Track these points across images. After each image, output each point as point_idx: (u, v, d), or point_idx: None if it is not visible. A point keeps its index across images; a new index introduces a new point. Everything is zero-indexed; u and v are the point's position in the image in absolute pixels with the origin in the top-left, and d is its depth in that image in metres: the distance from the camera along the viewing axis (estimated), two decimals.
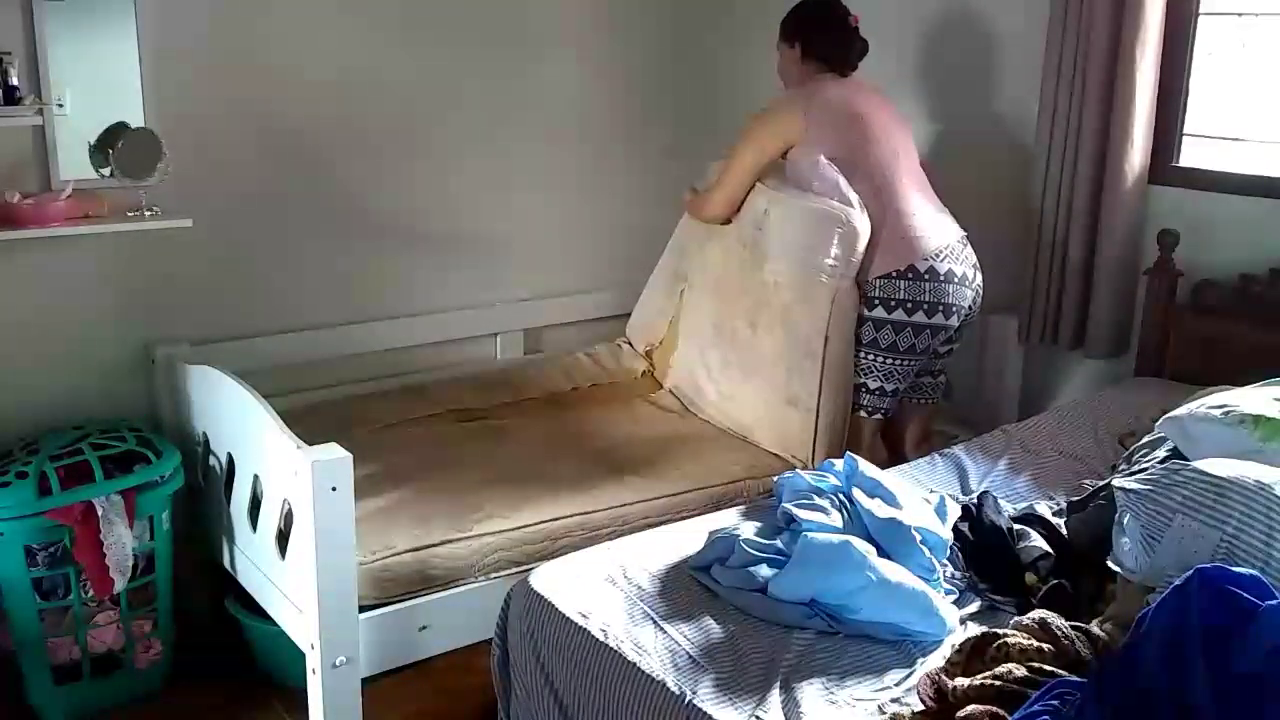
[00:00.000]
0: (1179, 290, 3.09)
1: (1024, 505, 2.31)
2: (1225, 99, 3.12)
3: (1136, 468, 2.17)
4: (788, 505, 2.19)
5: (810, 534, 2.05)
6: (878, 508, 2.14)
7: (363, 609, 2.24)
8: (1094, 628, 1.75)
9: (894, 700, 1.75)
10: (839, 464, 2.31)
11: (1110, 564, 1.87)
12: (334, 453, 2.15)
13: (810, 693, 1.76)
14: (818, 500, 2.19)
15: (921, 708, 1.68)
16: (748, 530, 2.15)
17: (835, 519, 2.14)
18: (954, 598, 2.04)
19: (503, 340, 3.54)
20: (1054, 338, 3.31)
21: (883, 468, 2.43)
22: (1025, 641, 1.69)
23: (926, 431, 3.13)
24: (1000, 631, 1.74)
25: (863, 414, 2.88)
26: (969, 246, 2.89)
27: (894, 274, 2.77)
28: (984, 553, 2.13)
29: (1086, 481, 2.40)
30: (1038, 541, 2.10)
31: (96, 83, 2.73)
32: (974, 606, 2.04)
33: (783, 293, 2.88)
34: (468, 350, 3.48)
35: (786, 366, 2.86)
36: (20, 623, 2.48)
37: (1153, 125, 3.08)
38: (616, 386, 3.35)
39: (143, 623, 2.63)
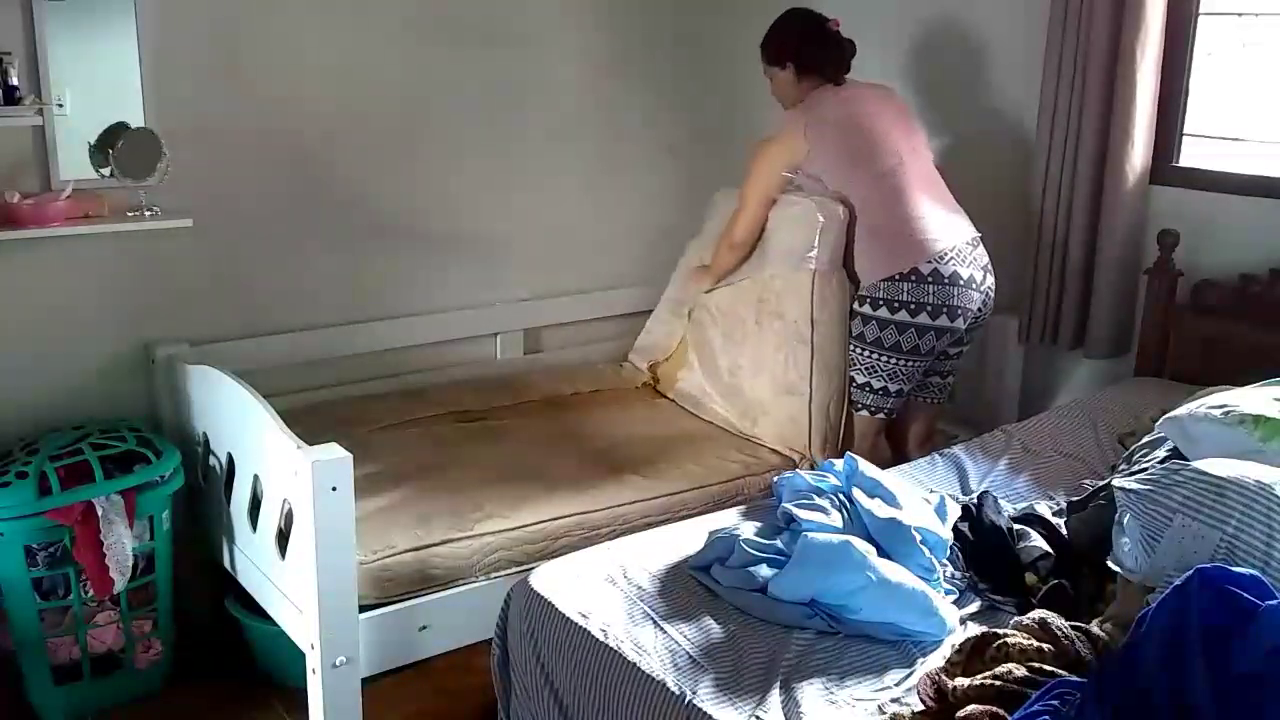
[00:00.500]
0: (1179, 290, 3.09)
1: (1024, 505, 2.31)
2: (1225, 99, 3.12)
3: (1136, 468, 2.17)
4: (788, 505, 2.19)
5: (810, 534, 2.05)
6: (878, 508, 2.14)
7: (363, 609, 2.24)
8: (1094, 628, 1.75)
9: (894, 700, 1.75)
10: (839, 464, 2.31)
11: (1110, 564, 1.87)
12: (334, 453, 2.15)
13: (810, 693, 1.76)
14: (818, 500, 2.19)
15: (921, 708, 1.68)
16: (748, 530, 2.16)
17: (835, 519, 2.14)
18: (954, 598, 2.05)
19: (503, 340, 3.53)
20: (1054, 338, 3.31)
21: (884, 467, 2.43)
22: (1025, 641, 1.69)
23: (930, 431, 3.13)
24: (1000, 631, 1.74)
25: (866, 413, 2.89)
26: (980, 247, 2.88)
27: (897, 276, 2.77)
28: (984, 553, 2.13)
29: (1086, 481, 2.40)
30: (1038, 541, 2.10)
31: (96, 83, 2.73)
32: (974, 606, 2.04)
33: (776, 285, 2.99)
34: (468, 350, 3.48)
35: (784, 355, 2.95)
36: (20, 623, 2.48)
37: (1153, 125, 3.08)
38: (616, 390, 3.38)
39: (143, 623, 2.63)
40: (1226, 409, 2.09)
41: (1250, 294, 2.93)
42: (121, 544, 2.46)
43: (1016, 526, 2.16)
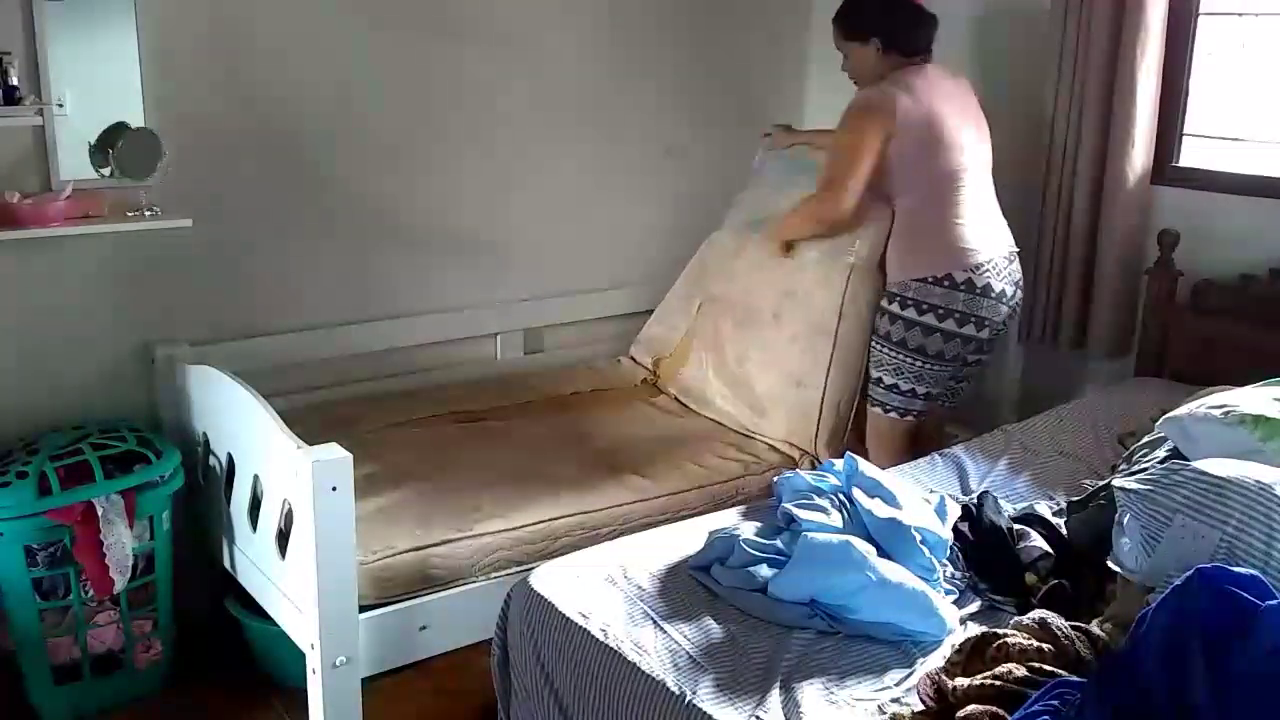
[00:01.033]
0: (1179, 290, 3.09)
1: (1024, 505, 2.31)
2: (1225, 99, 3.12)
3: (1136, 468, 2.17)
4: (788, 505, 2.19)
5: (810, 534, 2.05)
6: (878, 508, 2.13)
7: (363, 609, 2.24)
8: (1094, 628, 1.75)
9: (894, 700, 1.75)
10: (839, 464, 2.31)
11: (1110, 564, 1.87)
12: (334, 453, 2.15)
13: (810, 693, 1.76)
14: (817, 500, 2.19)
15: (921, 708, 1.68)
16: (748, 530, 2.16)
17: (835, 519, 2.14)
18: (954, 598, 2.04)
19: (503, 340, 3.53)
20: (1054, 338, 3.31)
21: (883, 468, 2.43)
22: (1025, 641, 1.69)
23: (935, 433, 3.12)
24: (1000, 631, 1.74)
25: (895, 414, 2.85)
26: (1015, 262, 2.85)
27: (930, 279, 2.73)
28: (984, 553, 2.12)
29: (1086, 481, 2.40)
30: (1038, 541, 2.10)
31: (96, 83, 2.72)
32: (974, 606, 2.04)
33: (809, 275, 2.96)
34: (468, 350, 3.48)
35: (800, 348, 2.93)
36: (20, 623, 2.48)
37: (1153, 125, 3.08)
38: (617, 390, 3.37)
39: (143, 623, 2.63)
40: (1226, 409, 2.09)
41: (1250, 294, 2.94)
42: (121, 544, 2.46)
43: (1016, 526, 2.16)
